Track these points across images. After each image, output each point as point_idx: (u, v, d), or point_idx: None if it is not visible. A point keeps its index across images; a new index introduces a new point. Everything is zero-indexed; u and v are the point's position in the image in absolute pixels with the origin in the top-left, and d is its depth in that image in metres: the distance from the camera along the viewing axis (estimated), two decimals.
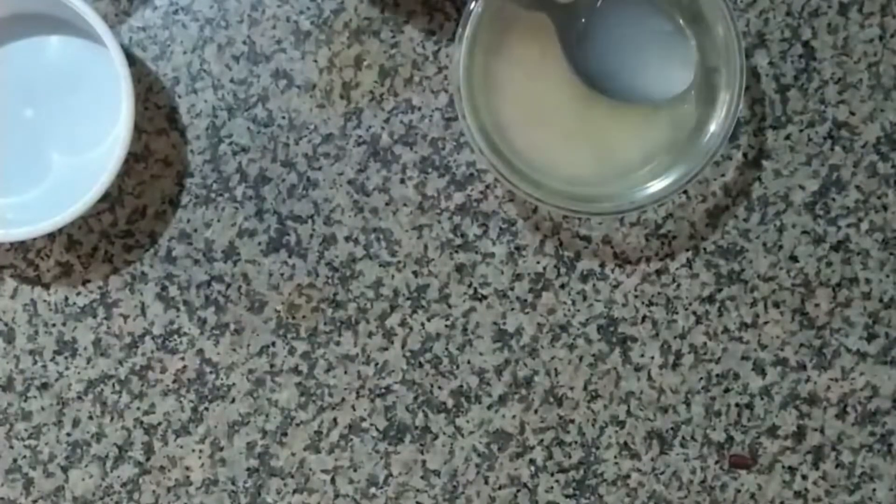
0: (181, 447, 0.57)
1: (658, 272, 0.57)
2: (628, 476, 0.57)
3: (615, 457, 0.57)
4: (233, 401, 0.57)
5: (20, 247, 0.57)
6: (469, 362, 0.57)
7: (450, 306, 0.57)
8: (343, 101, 0.57)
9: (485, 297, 0.57)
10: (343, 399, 0.57)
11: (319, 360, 0.57)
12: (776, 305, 0.57)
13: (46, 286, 0.57)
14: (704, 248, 0.57)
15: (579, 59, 0.52)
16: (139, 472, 0.57)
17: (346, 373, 0.57)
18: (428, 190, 0.57)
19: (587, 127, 0.54)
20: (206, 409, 0.57)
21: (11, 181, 0.56)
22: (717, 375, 0.57)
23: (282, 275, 0.57)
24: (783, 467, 0.57)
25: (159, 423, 0.57)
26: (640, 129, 0.54)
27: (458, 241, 0.57)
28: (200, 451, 0.57)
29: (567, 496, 0.57)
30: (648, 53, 0.53)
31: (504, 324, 0.57)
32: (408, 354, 0.57)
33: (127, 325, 0.57)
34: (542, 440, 0.57)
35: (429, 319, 0.57)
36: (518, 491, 0.57)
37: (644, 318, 0.57)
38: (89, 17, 0.52)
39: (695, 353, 0.57)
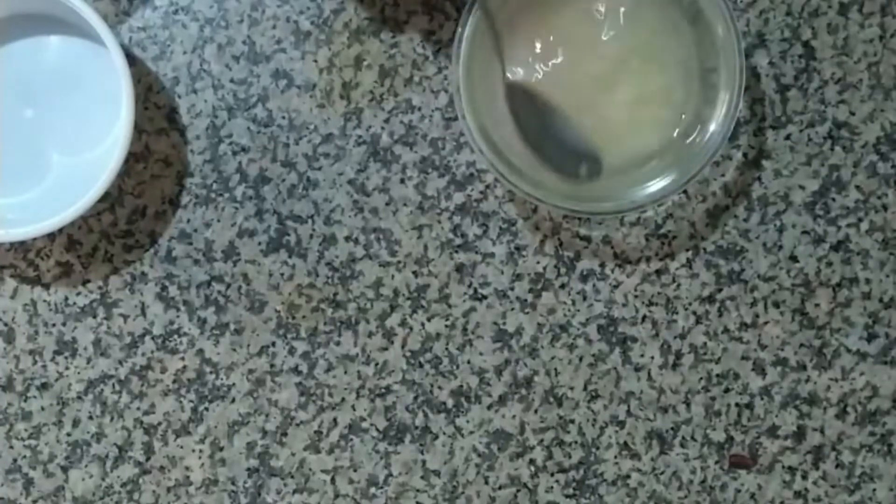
0: (181, 447, 0.57)
1: (658, 272, 0.57)
2: (628, 476, 0.57)
3: (615, 457, 0.57)
4: (233, 401, 0.57)
5: (20, 247, 0.57)
6: (469, 362, 0.57)
7: (450, 306, 0.57)
8: (343, 101, 0.57)
9: (485, 297, 0.57)
10: (343, 399, 0.57)
11: (319, 360, 0.57)
12: (776, 305, 0.57)
13: (46, 286, 0.57)
14: (704, 248, 0.57)
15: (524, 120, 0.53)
16: (139, 472, 0.57)
17: (346, 373, 0.57)
18: (428, 190, 0.57)
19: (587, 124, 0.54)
20: (206, 409, 0.57)
21: (11, 181, 0.56)
22: (717, 375, 0.57)
23: (282, 275, 0.57)
24: (783, 467, 0.57)
25: (159, 423, 0.57)
26: (640, 127, 0.54)
27: (458, 241, 0.57)
28: (200, 451, 0.57)
29: (567, 496, 0.57)
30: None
31: (504, 324, 0.57)
32: (408, 354, 0.57)
33: (127, 325, 0.57)
34: (542, 440, 0.57)
35: (429, 319, 0.57)
36: (518, 491, 0.57)
37: (644, 318, 0.57)
38: (89, 17, 0.52)
39: (695, 353, 0.57)
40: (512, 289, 0.57)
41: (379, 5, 0.57)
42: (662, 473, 0.57)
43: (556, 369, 0.57)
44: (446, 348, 0.57)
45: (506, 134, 0.53)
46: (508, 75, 0.53)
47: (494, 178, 0.56)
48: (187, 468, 0.57)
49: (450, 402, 0.57)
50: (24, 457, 0.57)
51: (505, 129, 0.54)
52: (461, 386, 0.57)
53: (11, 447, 0.57)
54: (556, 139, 0.54)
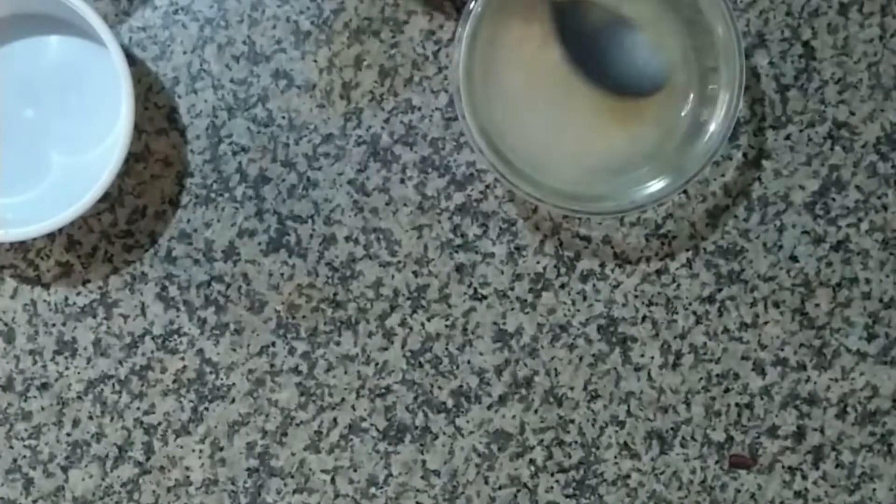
0: (181, 447, 0.57)
1: (658, 272, 0.57)
2: (628, 476, 0.57)
3: (615, 457, 0.57)
4: (233, 401, 0.57)
5: (20, 247, 0.57)
6: (469, 362, 0.57)
7: (450, 306, 0.57)
8: (343, 101, 0.57)
9: (485, 297, 0.57)
10: (343, 399, 0.57)
11: (319, 360, 0.57)
12: (776, 305, 0.57)
13: (46, 286, 0.57)
14: (704, 248, 0.57)
15: (572, 47, 0.53)
16: (139, 472, 0.57)
17: (346, 373, 0.57)
18: (428, 190, 0.57)
19: (586, 124, 0.54)
20: (206, 409, 0.57)
21: (11, 181, 0.56)
22: (717, 375, 0.57)
23: (282, 275, 0.57)
24: (783, 467, 0.57)
25: (159, 423, 0.57)
26: (639, 126, 0.54)
27: (458, 241, 0.57)
28: (200, 451, 0.57)
29: (567, 496, 0.57)
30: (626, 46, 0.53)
31: (504, 324, 0.57)
32: (408, 354, 0.57)
33: (127, 325, 0.57)
34: (542, 440, 0.57)
35: (429, 319, 0.57)
36: (518, 491, 0.57)
37: (644, 318, 0.57)
38: (89, 17, 0.52)
39: (695, 353, 0.57)
40: (512, 289, 0.57)
41: (379, 5, 0.57)
42: (662, 473, 0.57)
43: (556, 369, 0.57)
44: (446, 348, 0.57)
45: (543, 57, 0.53)
46: None
47: (494, 178, 0.56)
48: (187, 468, 0.57)
49: (450, 402, 0.57)
50: (24, 457, 0.57)
51: (543, 52, 0.53)
52: (461, 386, 0.57)
53: (11, 447, 0.57)
54: (603, 50, 0.53)
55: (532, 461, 0.57)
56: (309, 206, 0.57)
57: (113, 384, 0.57)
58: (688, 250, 0.57)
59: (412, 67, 0.57)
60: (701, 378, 0.57)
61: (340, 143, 0.57)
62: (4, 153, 0.56)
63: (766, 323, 0.57)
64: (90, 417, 0.57)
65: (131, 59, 0.56)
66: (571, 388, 0.57)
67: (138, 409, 0.57)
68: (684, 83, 0.54)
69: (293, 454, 0.57)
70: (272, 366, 0.57)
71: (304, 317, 0.57)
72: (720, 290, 0.57)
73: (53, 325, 0.57)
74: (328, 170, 0.57)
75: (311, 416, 0.57)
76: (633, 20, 0.53)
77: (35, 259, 0.57)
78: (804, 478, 0.57)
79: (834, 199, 0.57)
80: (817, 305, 0.57)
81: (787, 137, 0.57)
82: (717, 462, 0.57)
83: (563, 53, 0.53)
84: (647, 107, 0.54)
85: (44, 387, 0.57)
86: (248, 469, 0.57)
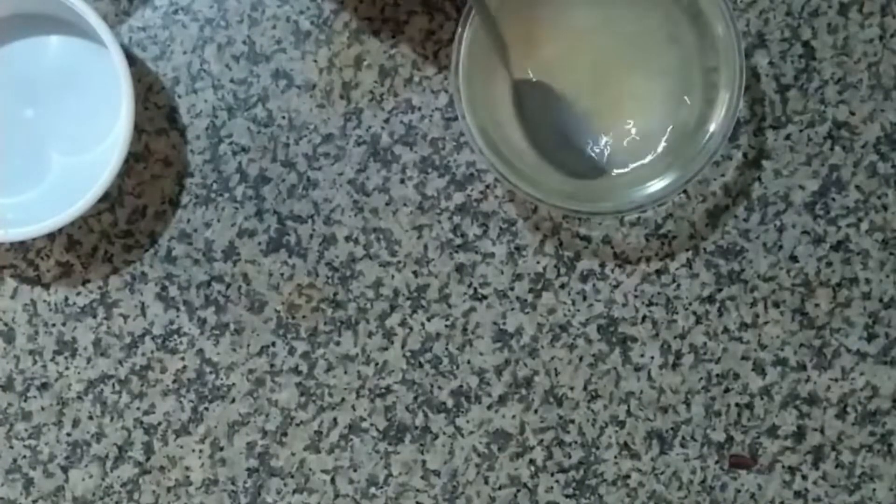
0: (181, 447, 0.57)
1: (658, 272, 0.57)
2: (628, 476, 0.57)
3: (615, 457, 0.57)
4: (233, 401, 0.57)
5: (20, 247, 0.57)
6: (469, 362, 0.57)
7: (450, 306, 0.57)
8: (343, 101, 0.57)
9: (485, 297, 0.57)
10: (343, 399, 0.57)
11: (319, 360, 0.57)
12: (776, 305, 0.57)
13: (46, 286, 0.57)
14: (704, 248, 0.57)
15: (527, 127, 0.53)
16: (139, 472, 0.57)
17: (346, 373, 0.57)
18: (428, 190, 0.57)
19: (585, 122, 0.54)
20: (206, 409, 0.57)
21: (11, 181, 0.56)
22: (717, 375, 0.57)
23: (282, 275, 0.57)
24: (783, 467, 0.57)
25: (159, 423, 0.57)
26: (638, 125, 0.54)
27: (458, 241, 0.57)
28: (200, 451, 0.57)
29: (567, 496, 0.57)
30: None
31: (504, 324, 0.57)
32: (408, 354, 0.57)
33: (127, 325, 0.57)
34: (542, 440, 0.57)
35: (429, 319, 0.57)
36: (518, 491, 0.57)
37: (644, 318, 0.57)
38: (89, 17, 0.52)
39: (695, 353, 0.57)
40: (512, 289, 0.57)
41: (379, 5, 0.57)
42: (662, 473, 0.57)
43: (556, 369, 0.57)
44: (446, 348, 0.57)
45: (507, 132, 0.53)
46: (512, 74, 0.53)
47: (494, 178, 0.56)
48: (187, 468, 0.57)
49: (450, 402, 0.57)
50: (24, 457, 0.57)
51: (506, 127, 0.53)
52: (461, 386, 0.57)
53: (11, 447, 0.57)
54: (559, 136, 0.53)
55: (532, 461, 0.57)
56: (309, 206, 0.57)
57: (113, 384, 0.57)
58: (688, 250, 0.57)
59: (412, 67, 0.57)
60: (701, 378, 0.57)
61: (340, 143, 0.57)
62: (4, 153, 0.56)
63: (766, 323, 0.57)
64: (90, 417, 0.57)
65: (131, 59, 0.56)
66: (571, 388, 0.57)
67: (138, 409, 0.57)
68: (684, 83, 0.54)
69: (293, 454, 0.57)
70: (272, 366, 0.57)
71: (304, 317, 0.57)
72: (720, 290, 0.57)
73: (53, 325, 0.57)
74: (328, 170, 0.57)
75: (311, 416, 0.57)
76: (584, 110, 0.53)
77: (35, 259, 0.57)
78: (804, 478, 0.57)
79: (834, 199, 0.57)
80: (817, 305, 0.57)
81: (787, 137, 0.57)
82: (717, 462, 0.57)
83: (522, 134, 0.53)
84: (648, 104, 0.54)
85: (44, 387, 0.57)
86: (248, 469, 0.57)
